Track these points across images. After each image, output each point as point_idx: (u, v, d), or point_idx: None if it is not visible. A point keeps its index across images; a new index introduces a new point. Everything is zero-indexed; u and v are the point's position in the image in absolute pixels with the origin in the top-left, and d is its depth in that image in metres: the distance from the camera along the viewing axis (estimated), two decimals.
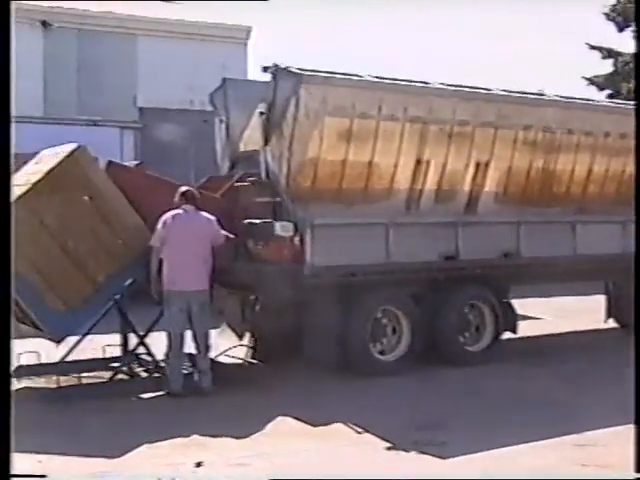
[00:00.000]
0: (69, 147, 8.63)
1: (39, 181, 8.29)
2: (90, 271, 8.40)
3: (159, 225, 8.43)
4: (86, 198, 8.43)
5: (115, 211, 8.58)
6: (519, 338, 10.67)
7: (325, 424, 7.32)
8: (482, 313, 10.14)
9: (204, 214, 8.54)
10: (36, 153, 14.73)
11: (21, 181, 8.66)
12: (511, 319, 10.34)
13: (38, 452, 6.48)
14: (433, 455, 6.49)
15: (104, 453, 6.53)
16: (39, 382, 8.82)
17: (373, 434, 7.02)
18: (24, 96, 16.53)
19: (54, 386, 8.46)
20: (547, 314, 13.74)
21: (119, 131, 17.52)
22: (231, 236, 8.71)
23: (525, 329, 10.96)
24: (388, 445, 6.74)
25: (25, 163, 9.45)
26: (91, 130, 17.00)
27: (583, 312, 13.30)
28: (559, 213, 10.89)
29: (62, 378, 8.55)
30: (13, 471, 5.08)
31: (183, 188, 8.64)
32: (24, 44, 16.66)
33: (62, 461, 6.36)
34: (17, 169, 9.75)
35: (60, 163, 8.39)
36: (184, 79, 18.04)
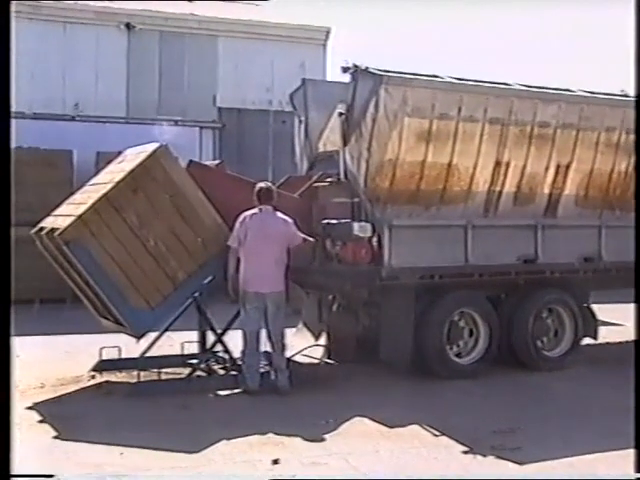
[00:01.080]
0: (151, 146, 8.80)
1: (122, 180, 8.46)
2: (170, 269, 8.55)
3: (236, 225, 8.52)
4: (167, 196, 8.58)
5: (195, 210, 8.70)
6: (599, 344, 10.48)
7: (401, 425, 7.31)
8: (561, 318, 10.00)
9: (281, 215, 8.58)
10: (119, 152, 15.10)
11: (105, 179, 8.87)
12: (591, 324, 10.17)
13: (119, 445, 6.63)
14: (510, 460, 6.44)
15: (182, 448, 6.63)
16: (119, 377, 9.01)
17: (449, 437, 6.99)
18: (109, 97, 16.98)
19: (134, 381, 8.63)
20: (629, 320, 13.44)
21: (199, 131, 17.78)
22: (310, 239, 8.75)
23: (605, 335, 10.76)
24: (464, 449, 6.71)
25: (109, 162, 9.68)
26: (171, 130, 17.28)
27: None
28: None
29: (142, 373, 8.72)
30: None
31: (261, 185, 8.70)
32: (110, 46, 17.11)
33: (142, 455, 6.48)
34: (102, 168, 10.00)
35: (142, 162, 8.56)
36: (263, 80, 18.19)
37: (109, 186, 8.47)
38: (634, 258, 9.11)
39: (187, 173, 8.89)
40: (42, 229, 8.84)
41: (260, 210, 8.56)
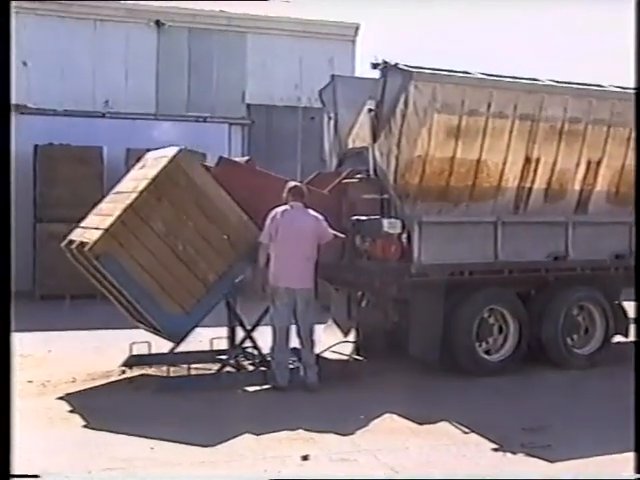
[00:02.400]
0: (171, 151, 8.80)
1: (145, 189, 8.47)
2: (201, 272, 8.56)
3: (267, 221, 8.54)
4: (191, 200, 8.56)
5: (220, 210, 8.71)
6: (630, 342, 10.38)
7: (431, 422, 7.30)
8: (592, 315, 9.93)
9: (312, 212, 8.59)
10: (148, 149, 15.19)
11: (129, 188, 8.88)
12: (622, 322, 10.08)
13: (149, 438, 6.69)
14: (540, 458, 6.41)
15: (212, 443, 6.67)
16: (149, 372, 9.06)
17: (479, 434, 6.97)
18: (138, 94, 17.07)
19: (164, 376, 8.68)
20: None
21: (227, 127, 17.81)
22: (341, 235, 8.75)
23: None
24: (494, 446, 6.69)
25: (138, 159, 9.72)
26: (200, 126, 17.35)
27: None
28: None
29: (171, 369, 8.77)
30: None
31: (291, 184, 8.72)
32: (139, 43, 17.19)
33: (172, 449, 6.52)
34: (131, 165, 10.05)
35: (164, 169, 8.56)
36: (291, 76, 18.17)
37: (133, 196, 8.49)
38: (635, 258, 9.03)
39: (207, 172, 8.86)
40: (71, 242, 8.89)
41: (291, 207, 8.57)
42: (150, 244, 8.40)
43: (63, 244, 9.10)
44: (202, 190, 8.67)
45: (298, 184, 8.78)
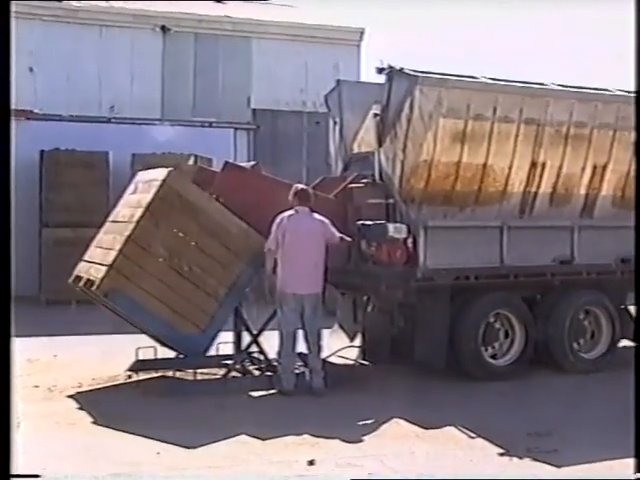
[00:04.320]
0: (161, 173, 8.77)
1: (142, 217, 8.45)
2: (210, 288, 8.57)
3: (273, 227, 8.52)
4: (188, 219, 8.56)
5: (218, 223, 8.69)
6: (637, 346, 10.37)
7: (436, 427, 7.30)
8: (598, 319, 9.92)
9: (318, 217, 8.58)
10: (154, 153, 15.16)
11: (125, 216, 8.86)
12: (629, 326, 10.06)
13: (156, 442, 6.70)
14: (546, 463, 6.40)
15: (218, 448, 6.68)
16: (156, 377, 9.06)
17: (485, 439, 6.96)
18: (144, 99, 17.11)
19: (170, 381, 8.69)
20: None
21: (233, 132, 17.85)
22: (347, 238, 8.75)
23: None
24: (500, 451, 6.68)
25: (142, 169, 9.65)
26: (206, 131, 17.39)
27: None
28: None
29: (178, 373, 8.78)
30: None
31: (298, 187, 8.70)
32: (145, 49, 17.25)
33: (178, 454, 6.52)
34: (137, 170, 10.04)
35: (157, 193, 8.52)
36: (297, 81, 18.20)
37: (131, 226, 8.47)
38: (634, 259, 9.02)
39: (199, 188, 8.82)
40: (78, 279, 8.90)
41: (297, 211, 8.55)
42: (156, 271, 8.41)
43: (70, 280, 9.10)
44: (198, 207, 8.66)
45: (304, 187, 8.77)
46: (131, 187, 9.37)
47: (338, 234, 8.62)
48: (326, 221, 8.58)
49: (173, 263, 8.46)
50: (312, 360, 8.57)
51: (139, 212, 8.52)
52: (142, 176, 9.33)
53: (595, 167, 9.91)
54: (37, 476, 5.82)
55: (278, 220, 8.52)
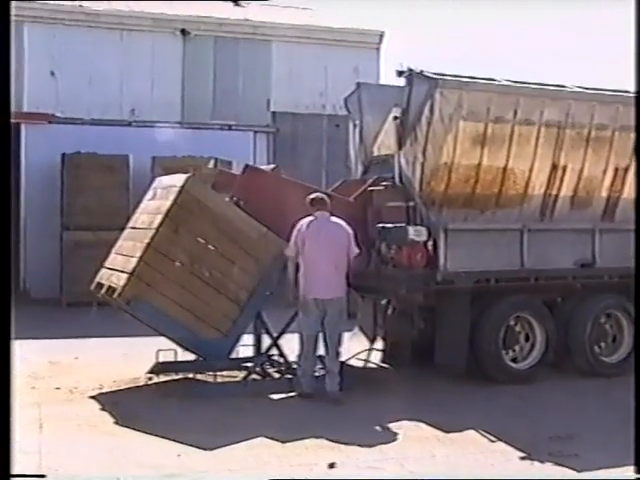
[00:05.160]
0: (179, 179, 8.77)
1: (161, 224, 8.46)
2: (232, 293, 8.59)
3: (294, 233, 8.50)
4: (207, 224, 8.57)
5: (238, 228, 8.70)
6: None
7: (457, 430, 7.27)
8: (620, 323, 9.85)
9: (338, 221, 8.55)
10: (174, 156, 15.20)
11: (144, 222, 8.88)
12: None
13: (177, 444, 6.72)
14: (568, 467, 6.37)
15: (238, 450, 6.70)
16: (176, 379, 9.09)
17: (506, 443, 6.94)
18: (164, 102, 17.18)
19: (191, 383, 8.72)
20: None
21: (252, 135, 17.87)
22: (356, 250, 8.60)
23: None
24: (521, 455, 6.66)
25: (163, 172, 9.65)
26: (226, 134, 17.41)
27: None
28: None
29: (198, 376, 8.80)
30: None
31: (312, 195, 8.64)
32: (165, 52, 17.32)
33: (199, 456, 6.54)
34: (156, 175, 10.05)
35: (175, 200, 8.53)
36: (316, 84, 18.20)
37: (150, 233, 8.48)
38: (634, 259, 8.97)
39: (218, 194, 8.88)
40: (99, 286, 8.93)
41: (316, 217, 8.53)
42: (177, 277, 8.43)
43: (92, 287, 9.13)
44: (217, 212, 8.69)
45: (318, 194, 8.69)
46: (150, 193, 9.39)
47: (356, 250, 8.56)
48: (350, 231, 8.52)
49: (194, 269, 8.48)
50: (330, 364, 8.52)
51: (158, 219, 8.54)
52: (161, 182, 9.35)
53: (616, 170, 9.85)
54: (41, 476, 5.88)
55: (298, 227, 8.50)
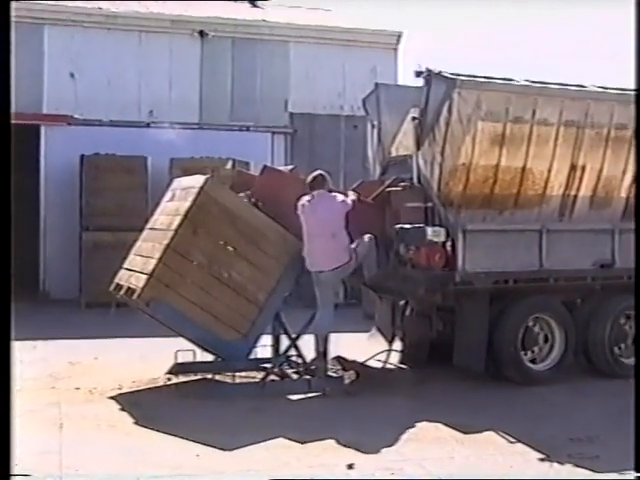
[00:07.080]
0: (197, 180, 8.79)
1: (180, 225, 8.48)
2: (250, 294, 8.60)
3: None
4: (226, 225, 8.60)
5: (256, 228, 8.72)
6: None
7: (476, 431, 7.25)
8: None
9: (330, 194, 8.79)
10: (192, 158, 15.24)
11: (163, 224, 8.91)
12: None
13: (195, 444, 6.73)
14: (588, 469, 6.33)
15: (257, 451, 6.71)
16: (195, 380, 9.11)
17: (525, 444, 6.91)
18: (182, 103, 17.23)
19: (209, 384, 8.74)
20: None
21: (270, 136, 17.90)
22: (349, 200, 8.84)
23: None
24: (541, 456, 6.63)
25: (181, 173, 9.67)
26: (244, 135, 17.46)
27: None
28: None
29: (216, 376, 8.82)
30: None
31: (312, 174, 8.88)
32: (183, 54, 17.37)
33: (217, 457, 6.55)
34: (175, 175, 10.08)
35: (194, 201, 8.55)
36: (334, 85, 18.20)
37: (169, 234, 8.50)
38: (634, 260, 8.91)
39: (237, 195, 8.95)
40: (119, 287, 8.96)
41: (312, 196, 8.74)
42: (196, 278, 8.45)
43: (111, 288, 9.16)
44: (236, 214, 8.70)
45: (315, 174, 8.90)
46: (168, 194, 9.41)
47: (348, 200, 8.79)
48: (347, 200, 8.78)
49: (212, 270, 8.49)
50: (317, 361, 8.68)
51: (177, 220, 8.56)
52: (179, 183, 9.38)
53: (637, 170, 9.79)
54: (40, 476, 5.90)
55: (298, 207, 8.74)
